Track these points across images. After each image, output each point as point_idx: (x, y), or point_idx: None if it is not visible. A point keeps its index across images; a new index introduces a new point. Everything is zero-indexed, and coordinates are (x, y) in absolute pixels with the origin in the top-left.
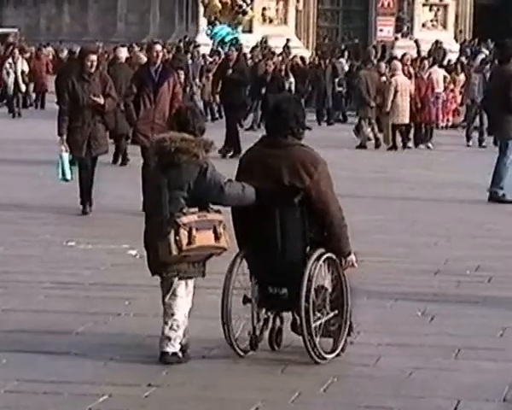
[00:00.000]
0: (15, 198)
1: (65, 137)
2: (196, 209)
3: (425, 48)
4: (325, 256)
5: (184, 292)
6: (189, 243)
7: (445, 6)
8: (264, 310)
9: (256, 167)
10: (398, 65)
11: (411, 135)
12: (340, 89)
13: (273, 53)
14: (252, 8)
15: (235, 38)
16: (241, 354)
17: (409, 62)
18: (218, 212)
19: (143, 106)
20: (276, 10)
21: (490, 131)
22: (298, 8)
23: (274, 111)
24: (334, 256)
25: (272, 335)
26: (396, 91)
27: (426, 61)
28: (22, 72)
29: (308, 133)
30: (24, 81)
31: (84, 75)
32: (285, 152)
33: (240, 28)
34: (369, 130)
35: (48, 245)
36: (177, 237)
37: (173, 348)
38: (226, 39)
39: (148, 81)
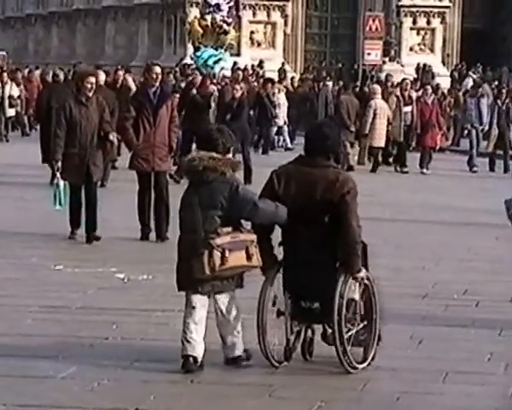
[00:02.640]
0: (1, 221)
1: (60, 163)
2: (230, 229)
3: (412, 71)
4: None
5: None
6: (222, 263)
7: (433, 30)
8: (296, 322)
9: (292, 184)
10: (378, 89)
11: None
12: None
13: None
14: (235, 29)
15: (220, 60)
16: (276, 365)
17: (408, 87)
18: (251, 231)
19: (143, 129)
20: (264, 34)
21: None
22: (286, 31)
23: (320, 135)
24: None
25: (304, 346)
26: (375, 114)
27: (428, 86)
28: (10, 96)
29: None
30: (12, 105)
31: (82, 99)
32: (321, 172)
33: (226, 50)
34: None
35: (35, 268)
36: (211, 259)
37: (239, 351)
38: (209, 62)
39: (147, 104)
